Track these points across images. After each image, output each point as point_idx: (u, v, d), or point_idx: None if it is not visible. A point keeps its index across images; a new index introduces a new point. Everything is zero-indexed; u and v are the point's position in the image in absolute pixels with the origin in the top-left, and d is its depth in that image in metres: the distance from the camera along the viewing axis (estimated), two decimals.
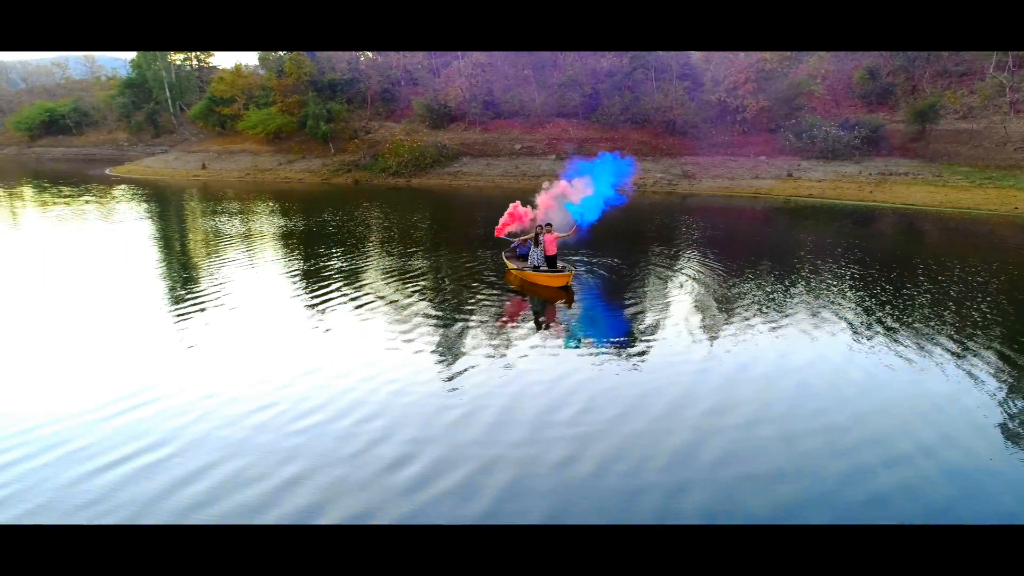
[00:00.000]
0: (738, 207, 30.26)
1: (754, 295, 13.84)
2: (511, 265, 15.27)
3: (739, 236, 22.36)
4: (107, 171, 46.33)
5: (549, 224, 15.17)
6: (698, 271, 16.12)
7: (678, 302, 13.48)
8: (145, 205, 30.22)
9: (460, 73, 45.82)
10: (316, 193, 35.72)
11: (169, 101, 62.42)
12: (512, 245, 16.12)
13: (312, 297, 13.74)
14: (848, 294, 14.05)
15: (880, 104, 41.36)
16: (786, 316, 12.38)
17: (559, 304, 13.35)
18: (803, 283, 14.91)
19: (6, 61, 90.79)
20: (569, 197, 15.54)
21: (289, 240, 20.78)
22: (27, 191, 35.54)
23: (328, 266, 16.66)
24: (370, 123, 47.31)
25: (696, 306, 13.16)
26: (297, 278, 15.52)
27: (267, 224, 24.01)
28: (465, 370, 9.67)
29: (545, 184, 16.77)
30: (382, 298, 13.53)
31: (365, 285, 14.62)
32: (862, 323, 12.02)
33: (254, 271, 16.26)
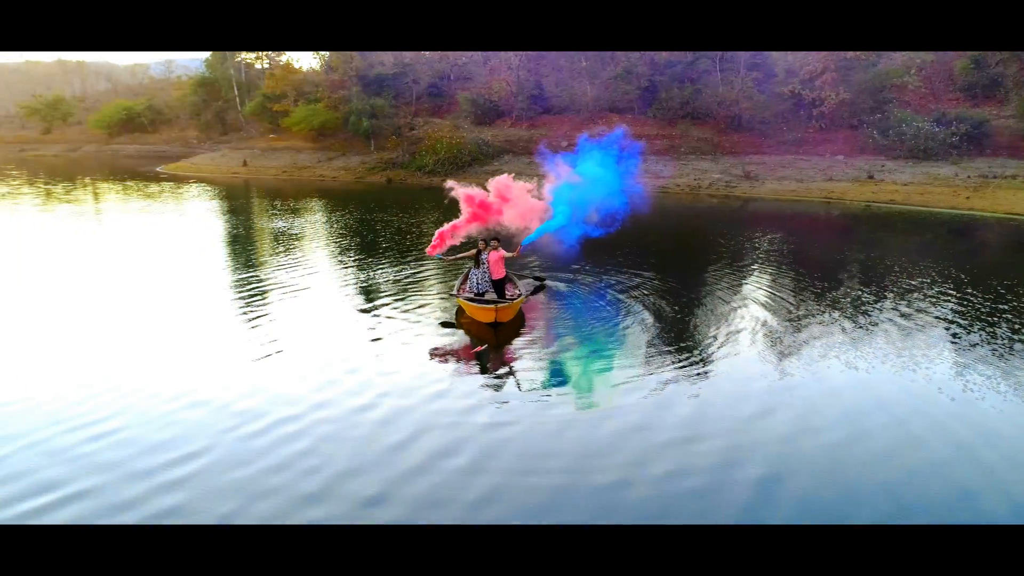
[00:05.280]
0: (804, 213, 26.04)
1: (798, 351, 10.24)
2: (455, 292, 11.86)
3: (800, 252, 18.37)
4: (158, 168, 46.76)
5: (496, 239, 11.81)
6: (737, 303, 12.73)
7: (690, 354, 10.09)
8: (143, 203, 29.47)
9: (508, 66, 43.26)
10: (342, 192, 34.15)
11: (237, 99, 63.16)
12: None
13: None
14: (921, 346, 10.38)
15: (986, 97, 35.63)
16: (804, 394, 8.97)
17: (487, 347, 10.12)
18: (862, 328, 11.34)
19: (94, 63, 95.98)
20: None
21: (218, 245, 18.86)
22: (63, 187, 35.88)
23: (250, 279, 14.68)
24: (415, 119, 45.53)
25: (716, 360, 9.60)
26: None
27: (226, 225, 22.59)
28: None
29: (544, 170, 13.67)
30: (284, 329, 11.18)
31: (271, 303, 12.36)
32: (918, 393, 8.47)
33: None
